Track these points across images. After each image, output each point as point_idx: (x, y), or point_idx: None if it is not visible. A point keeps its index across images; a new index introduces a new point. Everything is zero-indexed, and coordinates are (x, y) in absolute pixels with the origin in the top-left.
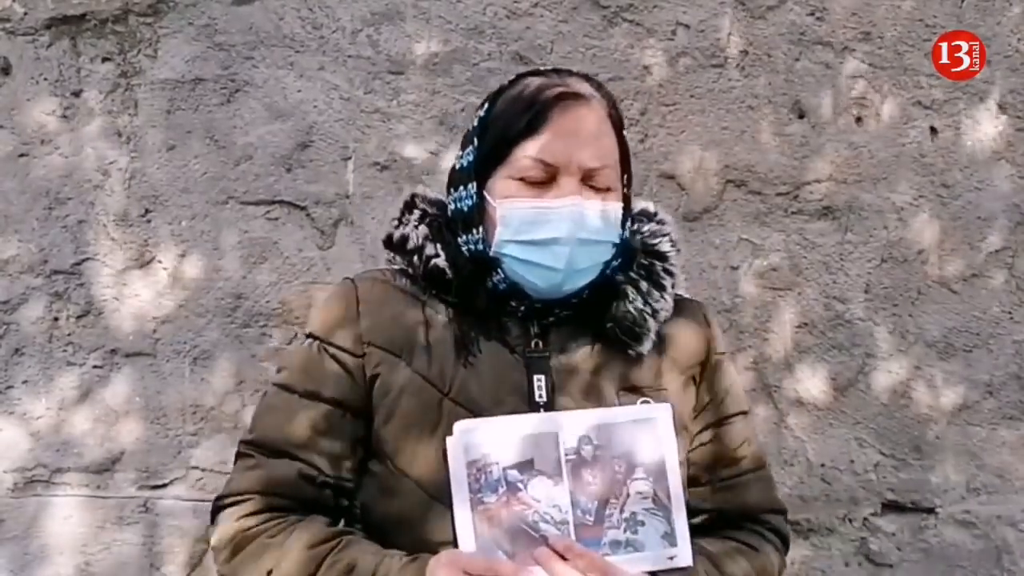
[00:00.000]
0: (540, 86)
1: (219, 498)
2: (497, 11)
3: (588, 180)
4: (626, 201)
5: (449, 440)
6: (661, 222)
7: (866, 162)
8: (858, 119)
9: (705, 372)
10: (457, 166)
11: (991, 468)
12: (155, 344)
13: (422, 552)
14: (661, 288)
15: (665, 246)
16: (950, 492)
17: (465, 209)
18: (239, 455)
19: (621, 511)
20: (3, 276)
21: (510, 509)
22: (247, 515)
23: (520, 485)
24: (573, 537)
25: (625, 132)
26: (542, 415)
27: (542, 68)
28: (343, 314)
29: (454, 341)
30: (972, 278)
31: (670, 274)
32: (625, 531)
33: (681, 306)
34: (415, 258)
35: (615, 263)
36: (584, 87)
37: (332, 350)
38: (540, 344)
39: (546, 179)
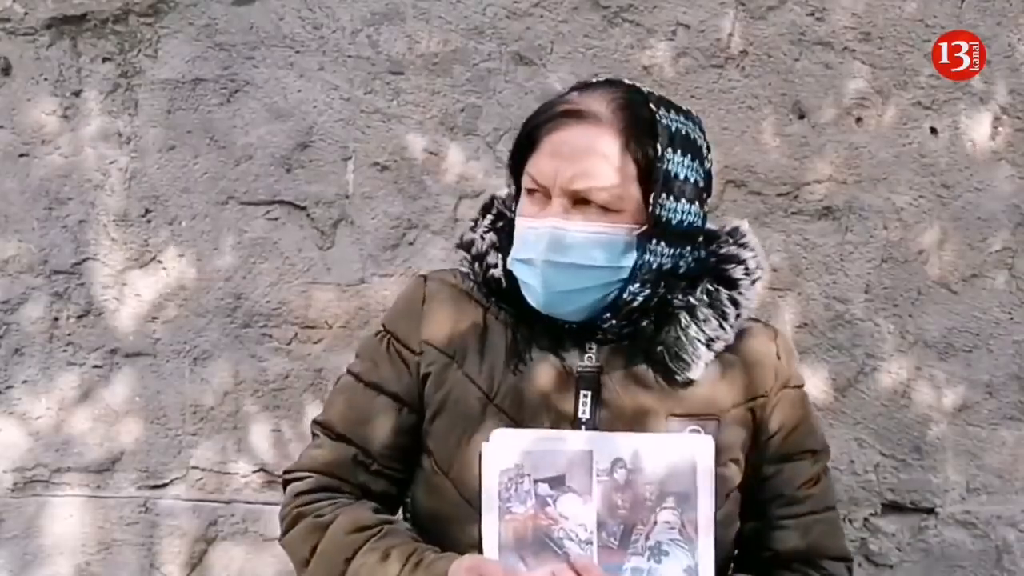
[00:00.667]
0: (554, 100)
1: (287, 471)
2: (497, 11)
3: (580, 202)
4: (659, 223)
5: (485, 446)
6: (743, 245)
7: (866, 162)
8: (858, 119)
9: (769, 405)
10: None
11: (991, 468)
12: (155, 344)
13: (451, 552)
14: (723, 316)
15: (737, 272)
16: (950, 492)
17: None
18: (311, 433)
19: (646, 539)
20: (3, 276)
21: (536, 522)
22: (304, 492)
23: (549, 500)
24: (595, 559)
25: (668, 151)
26: (580, 433)
27: (593, 80)
28: (409, 310)
29: (507, 349)
30: (972, 279)
31: (735, 303)
32: (648, 559)
33: (753, 332)
34: (477, 264)
35: (635, 287)
36: (595, 105)
37: (396, 345)
38: (593, 360)
39: (547, 196)
